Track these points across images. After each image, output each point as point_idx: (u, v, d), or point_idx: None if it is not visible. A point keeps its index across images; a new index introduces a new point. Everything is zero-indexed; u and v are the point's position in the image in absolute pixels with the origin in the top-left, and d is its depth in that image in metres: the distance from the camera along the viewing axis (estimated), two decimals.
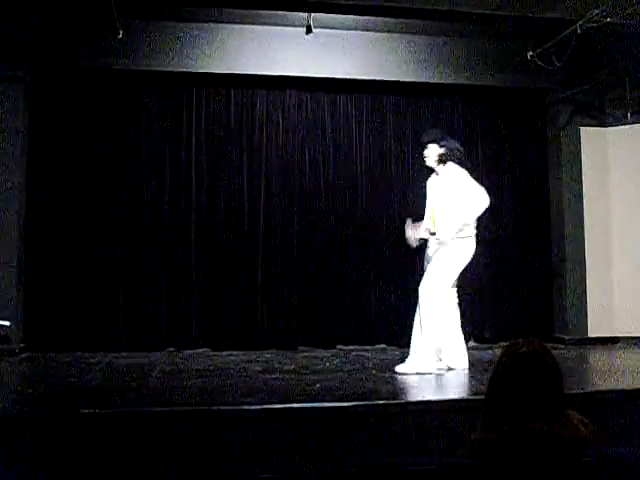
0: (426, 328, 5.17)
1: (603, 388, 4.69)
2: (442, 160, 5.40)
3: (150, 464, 3.61)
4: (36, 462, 3.51)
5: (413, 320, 5.33)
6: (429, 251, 5.41)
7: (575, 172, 7.29)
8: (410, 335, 5.33)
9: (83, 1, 6.13)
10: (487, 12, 6.28)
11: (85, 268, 6.62)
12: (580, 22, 6.00)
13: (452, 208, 5.26)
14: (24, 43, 6.36)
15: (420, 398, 4.51)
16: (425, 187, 5.62)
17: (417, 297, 5.26)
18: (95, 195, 6.70)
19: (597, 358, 6.46)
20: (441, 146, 5.40)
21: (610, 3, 5.75)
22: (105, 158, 6.74)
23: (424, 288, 5.23)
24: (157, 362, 5.88)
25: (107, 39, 6.29)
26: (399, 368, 5.18)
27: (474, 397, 4.07)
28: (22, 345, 6.29)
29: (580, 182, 7.26)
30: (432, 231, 5.34)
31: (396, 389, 4.72)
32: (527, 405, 1.87)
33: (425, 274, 5.31)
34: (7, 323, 3.32)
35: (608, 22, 5.88)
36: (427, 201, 5.54)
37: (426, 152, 5.45)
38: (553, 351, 2.01)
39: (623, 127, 7.26)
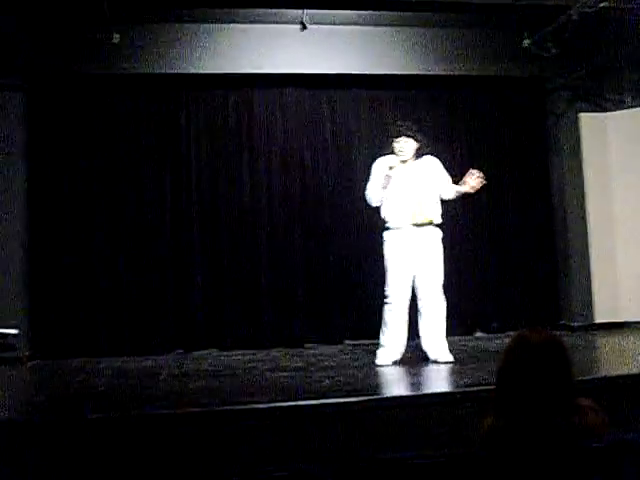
0: (444, 321, 5.32)
1: (612, 374, 4.69)
2: (418, 154, 5.48)
3: (160, 467, 3.62)
4: (44, 468, 3.51)
5: (420, 313, 5.35)
6: (419, 245, 5.31)
7: (576, 158, 7.27)
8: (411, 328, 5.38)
9: (77, 7, 6.12)
10: (482, 2, 6.27)
11: (90, 273, 6.62)
12: (575, 7, 5.99)
13: (437, 195, 5.41)
14: (20, 51, 6.35)
15: (432, 390, 4.51)
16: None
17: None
18: (97, 200, 6.70)
19: (604, 344, 6.45)
20: (417, 140, 5.45)
21: None
22: (105, 163, 6.74)
23: (438, 287, 5.31)
24: (165, 365, 5.88)
25: (102, 44, 6.28)
26: (449, 358, 5.26)
27: (484, 388, 4.05)
28: (29, 352, 6.30)
29: (581, 168, 7.25)
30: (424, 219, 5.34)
31: (406, 382, 4.72)
32: (538, 394, 1.86)
33: (434, 270, 5.31)
34: (14, 331, 3.33)
35: (603, 7, 5.87)
36: (399, 189, 5.38)
37: (403, 145, 5.39)
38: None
39: (622, 112, 7.24)
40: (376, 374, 5.05)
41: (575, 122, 7.29)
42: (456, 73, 7.09)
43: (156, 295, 6.72)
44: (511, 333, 6.36)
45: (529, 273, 7.30)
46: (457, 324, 7.02)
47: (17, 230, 6.40)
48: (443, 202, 5.57)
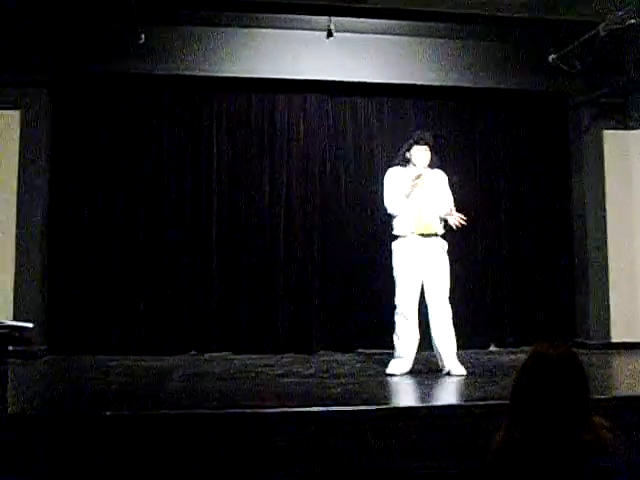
0: (453, 333, 5.32)
1: (628, 394, 4.63)
2: (430, 166, 5.53)
3: (170, 467, 3.62)
4: (56, 463, 3.53)
5: (432, 324, 5.35)
6: (427, 255, 5.33)
7: (597, 175, 7.22)
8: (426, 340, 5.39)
9: (105, 7, 6.18)
10: (508, 15, 6.25)
11: (107, 272, 6.66)
12: (603, 24, 5.95)
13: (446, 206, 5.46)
14: (47, 48, 6.42)
15: (443, 402, 4.49)
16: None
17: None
18: (117, 199, 6.75)
19: (621, 364, 6.38)
20: (435, 152, 5.57)
21: (634, 5, 5.70)
22: (126, 162, 6.78)
23: (446, 296, 5.35)
24: (178, 365, 5.89)
25: (129, 44, 6.34)
26: (462, 371, 5.26)
27: (497, 402, 4.02)
28: (44, 347, 6.34)
29: (603, 185, 7.20)
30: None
31: (418, 393, 4.70)
32: (552, 409, 1.85)
33: (443, 282, 5.34)
34: (30, 325, 3.35)
35: (631, 23, 5.83)
36: (416, 196, 5.39)
37: (424, 154, 5.45)
38: None
39: None
40: (388, 384, 5.03)
41: (598, 139, 7.24)
42: (480, 85, 7.08)
43: (172, 296, 6.74)
44: (526, 348, 6.36)
45: (546, 289, 7.25)
46: (472, 337, 7.01)
47: (37, 226, 6.45)
48: None
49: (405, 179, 5.39)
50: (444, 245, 5.44)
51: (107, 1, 6.08)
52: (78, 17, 6.40)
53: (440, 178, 5.57)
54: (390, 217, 5.51)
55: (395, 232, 5.44)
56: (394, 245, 5.44)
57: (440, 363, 5.33)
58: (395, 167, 5.57)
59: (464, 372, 5.26)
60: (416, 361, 5.41)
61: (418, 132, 5.63)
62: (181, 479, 3.63)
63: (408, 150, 5.50)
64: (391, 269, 5.44)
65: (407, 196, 5.35)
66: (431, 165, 5.54)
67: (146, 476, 3.54)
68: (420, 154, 5.44)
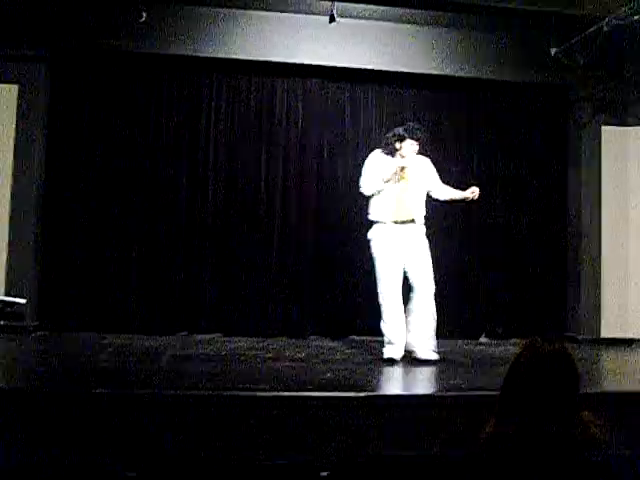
0: (434, 317, 5.33)
1: (616, 389, 4.67)
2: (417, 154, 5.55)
3: (157, 447, 3.63)
4: (44, 438, 3.53)
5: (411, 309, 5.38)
6: (407, 241, 5.34)
7: (594, 171, 7.22)
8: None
9: None
10: (512, 6, 6.23)
11: (101, 249, 6.65)
12: (607, 19, 5.94)
13: (424, 196, 5.52)
14: (48, 24, 6.37)
15: (430, 391, 4.51)
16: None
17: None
18: (113, 177, 6.72)
19: (610, 359, 6.42)
20: (420, 144, 5.54)
21: (638, 1, 5.68)
22: (123, 140, 6.75)
23: (431, 280, 5.35)
24: (169, 345, 5.90)
25: (130, 22, 6.28)
26: (433, 355, 5.26)
27: (488, 393, 4.04)
28: (36, 323, 6.34)
29: (599, 181, 7.20)
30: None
31: (408, 380, 4.71)
32: (542, 404, 1.86)
33: (426, 266, 5.36)
34: (22, 301, 3.35)
35: (635, 20, 5.82)
36: (396, 183, 5.39)
37: (413, 148, 5.45)
38: None
39: None
40: (378, 371, 5.04)
41: (597, 134, 7.24)
42: (480, 76, 7.07)
43: (165, 276, 6.74)
44: (516, 340, 6.38)
45: (539, 282, 7.27)
46: (463, 328, 7.05)
47: (31, 202, 6.43)
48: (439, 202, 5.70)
49: (387, 166, 5.37)
50: (421, 230, 5.44)
51: None
52: None
53: (423, 164, 5.57)
54: (365, 200, 5.50)
55: (372, 218, 5.43)
56: (372, 232, 5.43)
57: (412, 349, 5.31)
58: (379, 151, 5.55)
59: (436, 357, 5.25)
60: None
61: (411, 126, 5.60)
62: (168, 459, 3.64)
63: (399, 141, 5.47)
64: (371, 257, 5.43)
65: (385, 181, 5.33)
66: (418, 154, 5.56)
67: (133, 455, 3.54)
68: (412, 149, 5.45)
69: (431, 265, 5.39)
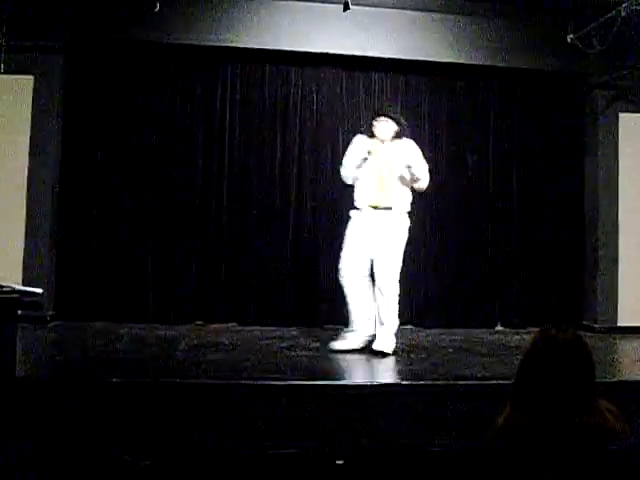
0: (393, 310, 5.21)
1: (634, 378, 4.64)
2: (397, 136, 5.38)
3: (174, 435, 3.65)
4: (61, 427, 3.56)
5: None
6: (377, 229, 5.21)
7: (611, 158, 7.15)
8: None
9: None
10: None
11: (116, 239, 6.68)
12: (625, 4, 5.86)
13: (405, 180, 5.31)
14: (62, 14, 6.38)
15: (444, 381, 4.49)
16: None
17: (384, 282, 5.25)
18: (128, 168, 6.74)
19: (627, 348, 6.38)
20: (399, 124, 5.39)
21: None
22: (138, 130, 6.77)
23: (390, 280, 5.20)
24: (184, 335, 5.93)
25: (144, 12, 6.28)
26: (385, 347, 5.12)
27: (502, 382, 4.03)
28: (53, 313, 6.38)
29: (616, 168, 7.13)
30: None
31: (422, 369, 4.70)
32: (558, 393, 1.85)
33: (388, 257, 5.20)
34: (39, 290, 3.37)
35: None
36: (369, 170, 5.31)
37: (384, 125, 5.32)
38: None
39: None
40: (393, 360, 5.03)
41: (614, 121, 7.16)
42: (496, 64, 7.01)
43: (180, 265, 6.76)
44: (532, 329, 6.35)
45: (555, 270, 7.23)
46: (479, 316, 7.03)
47: (48, 192, 6.45)
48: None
49: (360, 150, 5.33)
50: (399, 220, 5.27)
51: None
52: None
53: (406, 147, 5.36)
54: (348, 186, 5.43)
55: (354, 204, 5.37)
56: (352, 215, 5.38)
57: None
58: (361, 135, 5.47)
59: (386, 350, 5.11)
60: (422, 336, 5.38)
61: (385, 104, 5.64)
62: (184, 448, 3.66)
63: (373, 120, 5.40)
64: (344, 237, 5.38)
65: (358, 167, 5.29)
66: (397, 135, 5.39)
67: (150, 444, 3.57)
68: (380, 126, 5.33)
69: (393, 257, 5.21)
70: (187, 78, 6.90)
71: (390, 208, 5.23)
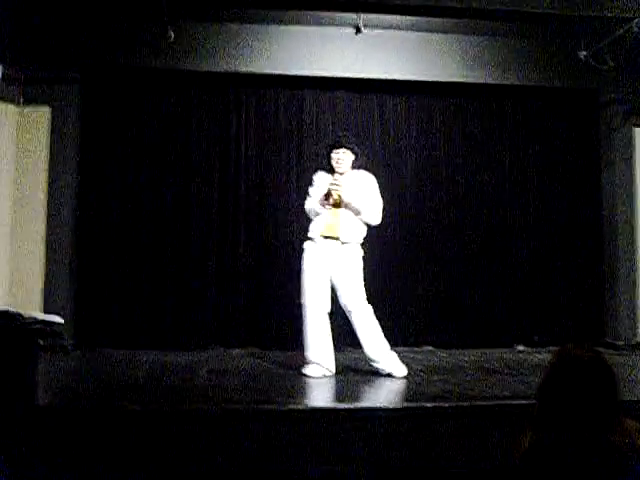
0: (379, 334, 5.15)
1: None
2: (354, 167, 5.34)
3: (197, 461, 3.64)
4: (85, 455, 3.57)
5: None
6: (332, 258, 5.15)
7: (628, 173, 7.13)
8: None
9: (135, 4, 6.22)
10: (539, 11, 6.18)
11: (135, 267, 6.71)
12: (636, 20, 5.87)
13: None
14: (78, 45, 6.49)
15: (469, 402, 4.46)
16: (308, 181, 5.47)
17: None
18: (145, 194, 6.79)
19: None
20: (355, 153, 5.33)
21: None
22: (154, 158, 6.83)
23: (360, 302, 5.14)
24: (204, 361, 5.92)
25: (158, 41, 6.38)
26: (402, 373, 5.09)
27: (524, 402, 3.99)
28: (72, 341, 6.41)
29: (633, 183, 7.11)
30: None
31: (442, 391, 4.66)
32: (581, 411, 1.83)
33: (348, 284, 5.13)
34: (60, 320, 3.39)
35: None
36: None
37: (342, 156, 5.26)
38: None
39: None
40: (415, 381, 5.00)
41: (629, 136, 7.15)
42: (509, 82, 7.03)
43: (199, 292, 6.77)
44: (553, 348, 6.29)
45: (575, 288, 7.18)
46: (498, 336, 6.98)
47: (66, 221, 6.52)
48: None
49: (324, 187, 5.24)
50: (352, 250, 5.19)
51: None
52: (108, 15, 6.45)
53: (363, 180, 5.32)
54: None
55: (309, 235, 5.29)
56: (304, 246, 5.30)
57: (377, 366, 5.16)
58: (321, 172, 5.42)
59: (404, 372, 5.10)
60: (443, 358, 5.33)
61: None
62: (208, 473, 3.65)
63: (329, 153, 5.33)
64: (300, 270, 5.29)
65: (322, 205, 5.21)
66: (355, 165, 5.35)
67: (174, 470, 3.56)
68: (337, 156, 5.26)
69: (356, 283, 5.14)
70: (202, 104, 6.95)
71: (337, 238, 5.17)
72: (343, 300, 5.16)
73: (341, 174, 5.27)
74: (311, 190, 5.41)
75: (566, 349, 1.95)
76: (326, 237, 5.18)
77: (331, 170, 5.34)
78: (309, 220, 5.39)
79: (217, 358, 6.16)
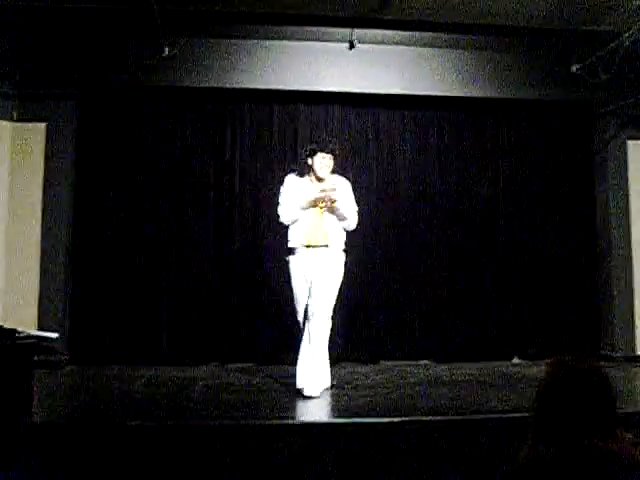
0: (322, 347, 5.05)
1: None
2: (333, 171, 5.27)
3: (194, 477, 3.63)
4: (80, 472, 3.55)
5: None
6: (315, 266, 5.03)
7: (622, 186, 7.16)
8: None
9: (130, 21, 6.25)
10: (532, 26, 6.24)
11: (130, 282, 6.70)
12: (627, 34, 5.92)
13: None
14: (73, 62, 6.51)
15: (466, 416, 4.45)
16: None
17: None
18: (140, 211, 6.79)
19: None
20: (337, 157, 5.28)
21: None
22: (150, 174, 6.83)
23: (323, 307, 4.99)
24: (200, 376, 5.90)
25: (153, 57, 6.41)
26: (314, 392, 4.88)
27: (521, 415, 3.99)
28: (67, 357, 6.39)
29: (627, 196, 7.13)
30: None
31: (440, 405, 4.66)
32: (578, 422, 1.83)
33: (322, 290, 4.98)
34: (54, 335, 3.38)
35: None
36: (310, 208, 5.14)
37: (327, 162, 5.16)
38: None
39: None
40: (411, 395, 5.00)
41: (623, 149, 7.18)
42: (502, 96, 7.06)
43: (194, 307, 6.76)
44: (549, 360, 6.29)
45: (570, 300, 7.18)
46: (494, 349, 6.98)
47: (61, 237, 6.51)
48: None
49: (302, 189, 5.15)
50: (335, 256, 5.10)
51: (132, 16, 6.14)
52: (104, 32, 6.48)
53: (340, 185, 5.22)
54: (283, 227, 5.24)
55: (289, 244, 5.18)
56: (289, 259, 5.18)
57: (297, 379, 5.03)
58: (293, 175, 5.31)
59: (315, 394, 4.87)
60: (440, 371, 5.31)
61: (322, 138, 5.38)
62: None
63: (310, 156, 5.19)
64: (289, 284, 5.20)
65: (303, 209, 5.10)
66: (333, 171, 5.27)
67: None
68: (324, 163, 5.15)
69: (328, 293, 5.01)
70: (197, 121, 6.97)
71: (326, 246, 5.09)
72: (311, 303, 5.01)
73: (321, 179, 5.19)
74: (283, 195, 5.23)
75: (562, 360, 1.95)
76: (311, 246, 5.08)
77: (302, 174, 5.25)
78: (283, 227, 5.26)
79: (213, 374, 6.13)
